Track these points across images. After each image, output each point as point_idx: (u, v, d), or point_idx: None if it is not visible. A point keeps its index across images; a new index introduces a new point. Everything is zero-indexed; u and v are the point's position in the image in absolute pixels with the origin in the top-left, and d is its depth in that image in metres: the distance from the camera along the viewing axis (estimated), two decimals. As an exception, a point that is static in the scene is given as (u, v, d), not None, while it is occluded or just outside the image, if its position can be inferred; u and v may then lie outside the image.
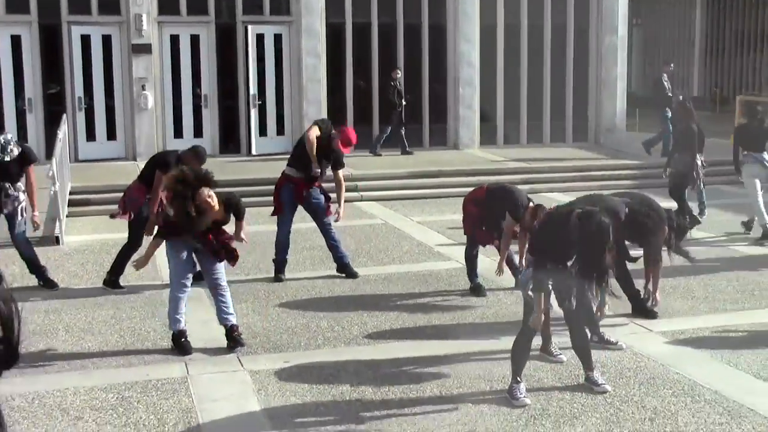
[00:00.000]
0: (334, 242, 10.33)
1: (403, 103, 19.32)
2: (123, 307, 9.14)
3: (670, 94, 18.78)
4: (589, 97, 21.64)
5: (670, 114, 18.02)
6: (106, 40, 18.60)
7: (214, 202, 7.40)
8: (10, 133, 10.16)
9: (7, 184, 9.64)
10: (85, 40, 18.48)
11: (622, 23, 21.31)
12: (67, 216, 13.34)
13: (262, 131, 19.51)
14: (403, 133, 19.50)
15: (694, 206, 13.93)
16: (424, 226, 13.55)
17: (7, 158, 9.56)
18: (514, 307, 8.72)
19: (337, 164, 10.26)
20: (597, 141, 21.44)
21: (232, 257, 7.77)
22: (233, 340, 7.75)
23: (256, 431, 6.14)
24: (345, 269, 10.34)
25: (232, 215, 7.86)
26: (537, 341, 7.00)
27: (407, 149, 19.30)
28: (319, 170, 10.15)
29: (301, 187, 10.15)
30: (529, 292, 6.43)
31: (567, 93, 21.52)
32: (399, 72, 19.47)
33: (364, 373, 7.15)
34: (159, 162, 9.54)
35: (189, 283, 7.71)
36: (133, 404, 6.56)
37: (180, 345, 7.66)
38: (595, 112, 21.56)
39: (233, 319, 7.84)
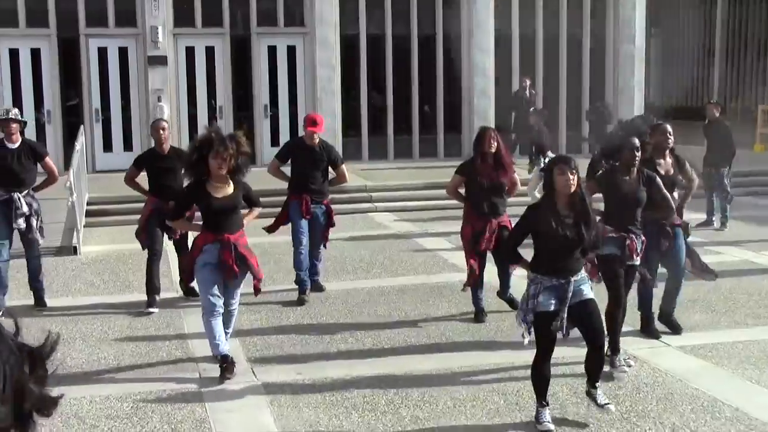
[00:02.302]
0: (317, 261, 10.21)
1: (531, 109, 18.96)
2: (138, 317, 9.21)
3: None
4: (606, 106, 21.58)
5: None
6: (123, 53, 18.77)
7: (224, 162, 7.21)
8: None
9: (17, 195, 9.23)
10: (102, 52, 18.66)
11: (639, 32, 21.30)
12: (84, 226, 13.44)
13: (275, 142, 19.59)
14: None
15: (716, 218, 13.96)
16: (438, 237, 13.57)
17: (12, 116, 9.30)
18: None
19: (337, 162, 10.00)
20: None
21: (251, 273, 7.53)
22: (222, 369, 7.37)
23: (270, 442, 6.18)
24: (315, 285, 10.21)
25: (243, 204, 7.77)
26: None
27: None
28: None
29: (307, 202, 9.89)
30: (530, 316, 6.14)
31: (583, 103, 21.51)
32: (528, 81, 19.17)
33: (377, 385, 7.17)
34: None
35: (219, 306, 7.35)
36: (147, 413, 6.61)
37: (221, 369, 7.32)
38: (613, 122, 21.52)
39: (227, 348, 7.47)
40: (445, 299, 9.84)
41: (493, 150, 8.80)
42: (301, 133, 10.44)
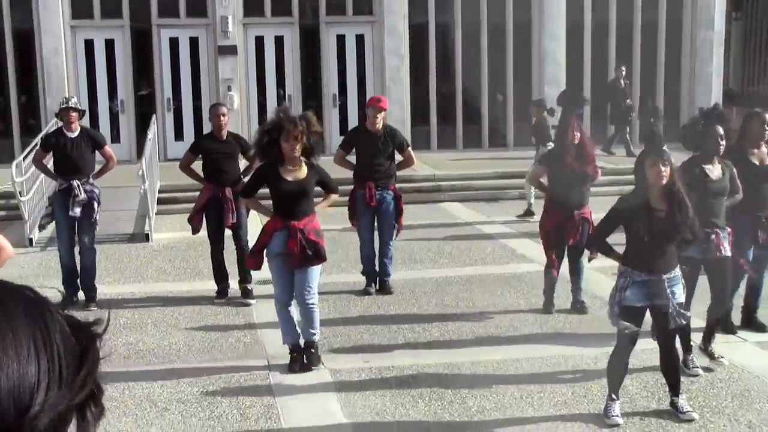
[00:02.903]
0: (387, 260, 9.84)
1: (628, 102, 18.76)
2: (208, 304, 9.32)
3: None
4: (682, 94, 21.18)
5: None
6: (194, 43, 19.00)
7: (296, 141, 7.13)
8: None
9: (76, 183, 9.15)
10: (174, 42, 18.92)
11: (719, 17, 20.77)
12: (156, 214, 13.65)
13: (343, 130, 19.62)
14: (627, 134, 18.75)
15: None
16: (507, 227, 13.47)
17: (71, 104, 9.35)
18: (598, 312, 8.61)
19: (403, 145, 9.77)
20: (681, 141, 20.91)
21: (318, 258, 7.27)
22: (308, 357, 7.39)
23: (336, 429, 6.21)
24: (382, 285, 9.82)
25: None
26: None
27: (631, 150, 17.75)
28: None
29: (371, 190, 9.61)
30: (616, 308, 6.02)
31: (658, 90, 21.11)
32: (623, 70, 19.06)
33: (444, 374, 7.16)
34: None
35: (290, 297, 7.29)
36: (216, 398, 6.69)
37: (291, 358, 7.35)
38: (688, 110, 21.04)
39: (315, 337, 7.45)
40: (513, 289, 9.77)
41: (576, 140, 8.69)
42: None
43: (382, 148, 9.60)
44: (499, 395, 6.70)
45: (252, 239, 9.28)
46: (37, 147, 10.26)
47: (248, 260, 7.82)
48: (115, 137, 18.76)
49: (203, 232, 9.60)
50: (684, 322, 6.10)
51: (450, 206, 15.45)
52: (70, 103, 9.42)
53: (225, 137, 9.47)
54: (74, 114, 9.35)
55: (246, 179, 8.44)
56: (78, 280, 9.41)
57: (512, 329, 8.38)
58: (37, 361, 1.02)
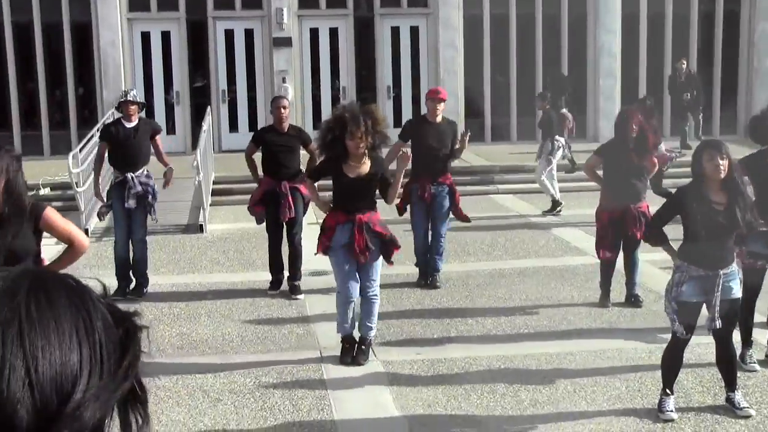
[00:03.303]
0: (438, 256, 9.69)
1: (686, 96, 18.39)
2: (262, 295, 9.38)
3: None
4: (739, 88, 20.78)
5: None
6: (249, 34, 19.12)
7: (360, 140, 7.02)
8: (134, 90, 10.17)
9: (131, 176, 9.18)
10: (229, 34, 19.06)
11: (780, 8, 20.34)
12: (210, 205, 13.77)
13: (397, 123, 19.59)
14: (687, 126, 18.53)
15: None
16: (561, 219, 13.35)
17: (130, 98, 9.38)
18: (653, 306, 8.50)
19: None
20: (747, 134, 20.52)
21: (389, 252, 7.29)
22: (357, 351, 7.36)
23: (388, 421, 6.21)
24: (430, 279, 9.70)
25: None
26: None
27: (686, 143, 17.50)
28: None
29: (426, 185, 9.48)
30: (674, 304, 5.95)
31: (714, 83, 20.75)
32: (684, 63, 18.80)
33: (496, 367, 7.12)
34: None
35: (354, 291, 7.21)
36: (269, 389, 6.73)
37: (342, 350, 7.37)
38: (746, 104, 20.66)
39: (371, 333, 7.46)
40: (567, 283, 9.68)
41: (635, 133, 8.53)
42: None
43: (441, 140, 9.48)
44: (552, 389, 6.65)
45: (306, 238, 9.33)
46: (98, 139, 10.36)
47: (319, 243, 7.52)
48: (170, 129, 18.97)
49: (255, 224, 9.62)
50: (718, 326, 5.93)
51: (503, 198, 15.36)
52: (129, 96, 9.48)
53: (286, 130, 9.35)
54: (133, 107, 9.42)
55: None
56: (131, 272, 9.47)
57: (566, 322, 8.31)
58: (79, 350, 1.02)
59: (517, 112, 20.01)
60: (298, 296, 9.25)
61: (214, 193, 14.74)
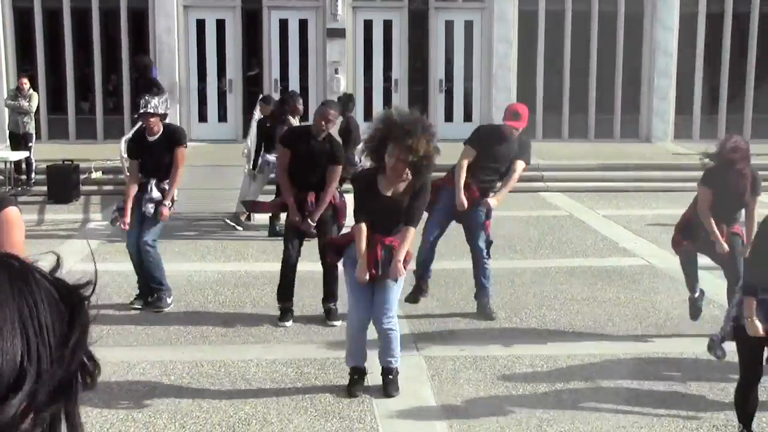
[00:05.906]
0: (485, 279, 8.52)
1: None
2: (305, 286, 9.38)
3: None
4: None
5: None
6: (303, 25, 19.19)
7: (403, 165, 6.20)
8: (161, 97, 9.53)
9: (153, 182, 8.57)
10: (283, 24, 19.14)
11: None
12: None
13: (448, 117, 19.55)
14: None
15: None
16: (609, 220, 13.22)
17: (150, 109, 8.46)
18: (707, 311, 8.36)
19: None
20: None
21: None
22: (384, 384, 6.59)
23: (428, 416, 6.20)
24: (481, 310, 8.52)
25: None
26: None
27: None
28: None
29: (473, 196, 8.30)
30: (729, 325, 5.48)
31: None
32: None
33: (539, 366, 7.07)
34: None
35: (364, 316, 6.51)
36: (311, 380, 6.76)
37: (349, 380, 6.60)
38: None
39: (394, 363, 6.59)
40: (614, 283, 9.58)
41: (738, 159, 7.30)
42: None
43: (509, 152, 8.47)
44: (594, 390, 6.59)
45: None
46: (126, 155, 9.71)
47: (327, 249, 7.18)
48: (222, 116, 19.15)
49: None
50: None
51: (552, 196, 15.24)
52: (148, 108, 8.48)
53: (322, 137, 8.23)
54: (153, 119, 8.51)
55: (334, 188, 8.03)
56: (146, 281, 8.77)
57: (611, 324, 8.22)
58: (23, 334, 1.00)
59: (569, 109, 19.83)
60: (335, 323, 8.15)
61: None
